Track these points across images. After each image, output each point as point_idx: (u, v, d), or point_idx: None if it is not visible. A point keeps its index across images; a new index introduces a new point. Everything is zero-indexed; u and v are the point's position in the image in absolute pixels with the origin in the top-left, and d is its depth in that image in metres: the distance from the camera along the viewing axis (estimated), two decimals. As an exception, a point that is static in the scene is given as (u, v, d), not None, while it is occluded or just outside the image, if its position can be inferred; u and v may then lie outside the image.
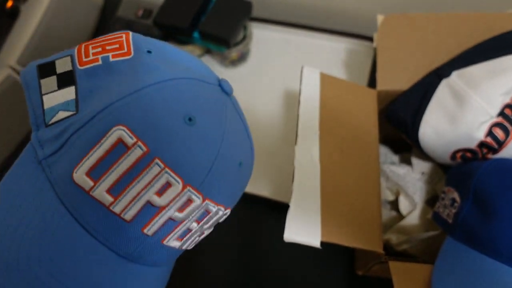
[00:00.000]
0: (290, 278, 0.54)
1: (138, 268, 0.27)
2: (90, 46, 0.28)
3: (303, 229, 0.35)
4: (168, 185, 0.25)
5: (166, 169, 0.24)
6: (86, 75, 0.27)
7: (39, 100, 0.26)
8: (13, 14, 0.80)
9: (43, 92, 0.26)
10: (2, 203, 0.25)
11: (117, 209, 0.24)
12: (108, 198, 0.24)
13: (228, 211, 0.31)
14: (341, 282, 0.52)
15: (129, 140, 0.24)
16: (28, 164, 0.26)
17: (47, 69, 0.27)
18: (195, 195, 0.26)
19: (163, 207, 0.25)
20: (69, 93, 0.26)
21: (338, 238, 0.36)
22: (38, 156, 0.26)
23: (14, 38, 0.70)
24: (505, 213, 0.34)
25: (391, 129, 0.51)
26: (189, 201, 0.26)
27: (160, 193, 0.25)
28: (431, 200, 0.51)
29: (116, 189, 0.24)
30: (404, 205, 0.52)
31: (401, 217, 0.52)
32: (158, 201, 0.25)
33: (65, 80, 0.27)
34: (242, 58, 0.72)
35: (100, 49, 0.28)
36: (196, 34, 0.66)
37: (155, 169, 0.24)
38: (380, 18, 0.51)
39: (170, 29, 0.66)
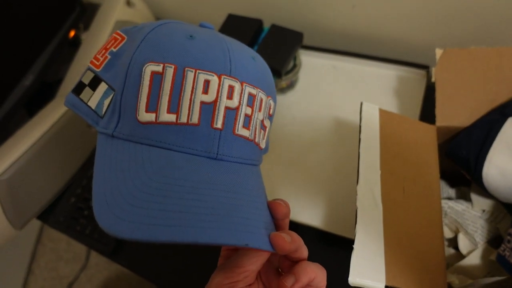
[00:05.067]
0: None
1: (233, 165, 0.31)
2: (97, 55, 0.34)
3: (367, 272, 0.35)
4: (207, 82, 0.30)
5: (198, 71, 0.30)
6: (105, 70, 0.33)
7: (86, 107, 0.33)
8: (75, 44, 0.86)
9: (86, 101, 0.33)
10: (108, 173, 0.29)
11: (183, 120, 0.29)
12: (172, 117, 0.29)
13: (271, 101, 0.35)
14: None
15: (158, 68, 0.30)
16: (105, 145, 0.31)
17: (79, 88, 0.34)
18: (232, 80, 0.30)
19: (215, 100, 0.30)
20: (102, 87, 0.32)
21: (402, 283, 0.36)
22: (108, 134, 0.31)
23: (77, 67, 0.75)
24: None
25: (448, 163, 0.50)
26: (230, 87, 0.30)
27: (205, 91, 0.29)
28: (494, 240, 0.49)
29: (173, 107, 0.29)
30: (464, 243, 0.50)
31: (460, 255, 0.50)
32: (207, 98, 0.30)
33: (94, 83, 0.33)
34: (291, 85, 0.73)
35: (104, 51, 0.34)
36: (247, 64, 0.67)
37: (190, 76, 0.29)
38: (438, 52, 0.50)
39: (223, 59, 0.68)
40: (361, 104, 0.46)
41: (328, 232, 0.58)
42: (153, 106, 0.29)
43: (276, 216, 0.30)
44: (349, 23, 0.74)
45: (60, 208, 0.69)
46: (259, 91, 0.32)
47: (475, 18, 0.62)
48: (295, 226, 0.59)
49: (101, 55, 0.33)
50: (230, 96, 0.30)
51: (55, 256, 1.44)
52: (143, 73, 0.30)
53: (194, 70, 0.29)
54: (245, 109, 0.31)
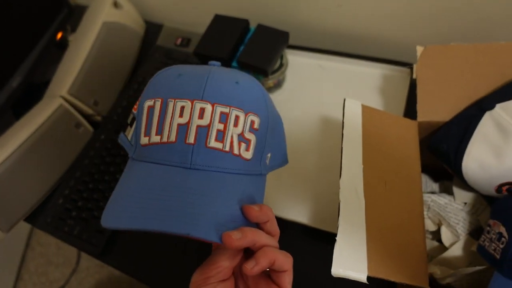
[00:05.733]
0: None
1: (206, 173, 0.36)
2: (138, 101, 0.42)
3: (350, 263, 0.36)
4: (182, 107, 0.36)
5: (176, 100, 0.37)
6: (137, 111, 0.40)
7: (127, 141, 0.41)
8: (62, 45, 0.86)
9: (127, 136, 0.41)
10: (136, 185, 0.36)
11: (164, 139, 0.36)
12: (158, 138, 0.37)
13: (253, 117, 0.38)
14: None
15: (151, 102, 0.38)
16: (127, 165, 0.40)
17: (125, 127, 0.42)
18: (203, 103, 0.36)
19: (188, 121, 0.36)
20: (134, 124, 0.40)
21: (384, 273, 0.37)
22: (131, 157, 0.40)
23: (64, 68, 0.75)
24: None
25: (431, 157, 0.51)
26: (201, 109, 0.36)
27: (181, 115, 0.36)
28: (475, 232, 0.50)
29: (159, 130, 0.37)
30: (446, 236, 0.51)
31: (443, 247, 0.51)
32: (182, 120, 0.36)
33: (131, 122, 0.41)
34: (278, 85, 0.74)
35: (140, 98, 0.41)
36: (234, 64, 0.68)
37: (170, 104, 0.37)
38: (419, 49, 0.52)
39: (209, 59, 0.69)
40: (344, 100, 0.47)
41: (315, 228, 0.59)
42: (148, 131, 0.38)
43: (248, 218, 0.34)
44: (335, 22, 0.75)
45: (48, 209, 0.68)
46: (232, 109, 0.37)
47: (456, 16, 0.64)
48: (283, 223, 0.60)
49: (139, 100, 0.41)
50: (201, 116, 0.36)
51: (45, 261, 1.43)
52: (143, 109, 0.39)
53: (173, 100, 0.37)
54: (217, 126, 0.36)
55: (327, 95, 0.72)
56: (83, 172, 0.70)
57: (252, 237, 0.31)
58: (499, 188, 0.44)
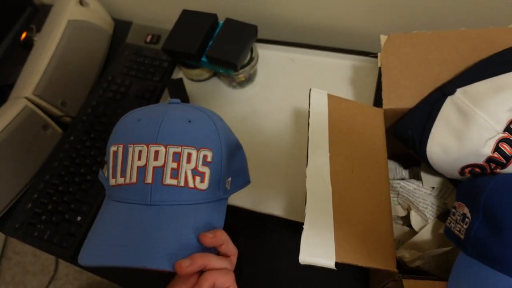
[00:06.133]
0: (305, 296, 0.54)
1: (164, 208, 0.40)
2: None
3: (317, 251, 0.36)
4: (140, 152, 0.41)
5: (135, 145, 0.41)
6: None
7: (105, 178, 0.45)
8: (27, 45, 0.83)
9: (104, 174, 0.46)
10: (104, 223, 0.41)
11: (127, 181, 0.41)
12: (122, 179, 0.41)
13: (205, 151, 0.42)
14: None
15: (115, 148, 0.43)
16: (104, 203, 0.45)
17: (103, 164, 0.46)
18: (157, 146, 0.41)
19: (146, 164, 0.40)
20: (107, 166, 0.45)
21: (352, 259, 0.37)
22: (106, 196, 0.45)
23: (29, 69, 0.73)
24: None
25: (400, 145, 0.52)
26: (155, 151, 0.40)
27: (139, 159, 0.41)
28: (443, 215, 0.51)
29: (123, 173, 0.41)
30: (415, 220, 0.52)
31: (413, 232, 0.52)
32: (140, 163, 0.41)
33: (107, 161, 0.45)
34: (249, 79, 0.73)
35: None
36: (204, 59, 0.68)
37: (130, 150, 0.41)
38: (383, 38, 0.52)
39: (178, 55, 0.68)
40: (310, 90, 0.47)
41: (290, 220, 0.59)
42: (114, 174, 0.42)
43: (203, 245, 0.39)
44: (303, 15, 0.76)
45: (16, 214, 0.66)
46: (184, 148, 0.41)
47: (419, 5, 0.65)
48: (258, 217, 0.60)
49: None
50: (156, 158, 0.40)
51: (22, 270, 1.39)
52: (109, 153, 0.43)
53: (133, 145, 0.41)
54: (171, 165, 0.40)
55: (298, 88, 0.73)
56: (53, 174, 0.69)
57: (201, 262, 0.36)
58: (462, 170, 0.45)
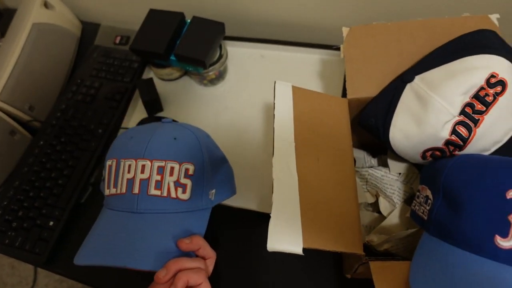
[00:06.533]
0: (281, 284, 0.55)
1: (148, 215, 0.45)
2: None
3: (285, 238, 0.37)
4: (129, 165, 0.46)
5: (125, 160, 0.46)
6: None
7: (103, 188, 0.51)
8: (-8, 50, 0.81)
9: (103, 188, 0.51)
10: (97, 228, 0.47)
11: (118, 191, 0.46)
12: (114, 190, 0.47)
13: (187, 165, 0.47)
14: (332, 286, 0.54)
15: (109, 162, 0.48)
16: (101, 211, 0.50)
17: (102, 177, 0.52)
18: (144, 161, 0.46)
19: (134, 176, 0.46)
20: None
21: (319, 244, 0.38)
22: (104, 204, 0.50)
23: (-6, 74, 0.71)
24: (470, 206, 0.36)
25: (368, 134, 0.53)
26: (142, 165, 0.46)
27: (129, 172, 0.46)
28: (409, 199, 0.53)
29: (115, 184, 0.47)
30: (384, 205, 0.54)
31: (383, 218, 0.54)
32: (129, 175, 0.46)
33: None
34: (220, 76, 0.74)
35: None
36: (173, 57, 0.68)
37: (121, 164, 0.47)
38: (345, 30, 0.54)
39: (146, 54, 0.68)
40: (275, 83, 0.48)
41: (263, 213, 0.60)
42: (109, 185, 0.48)
43: (181, 250, 0.43)
44: (270, 11, 0.76)
45: (-14, 223, 0.65)
46: (167, 163, 0.46)
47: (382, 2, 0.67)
48: (233, 212, 0.61)
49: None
50: (142, 171, 0.45)
51: (-1, 282, 1.35)
52: (105, 167, 0.49)
53: (124, 160, 0.47)
54: (155, 177, 0.45)
55: (269, 83, 0.73)
56: (23, 180, 0.67)
57: (175, 267, 0.41)
58: (423, 154, 0.46)
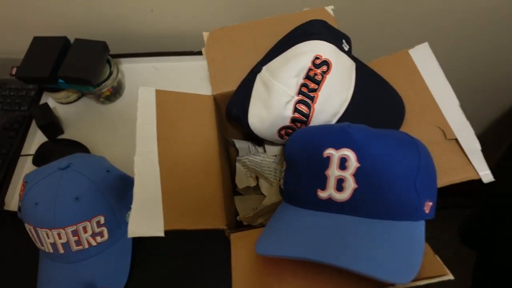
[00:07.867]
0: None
1: (82, 263, 0.55)
2: None
3: (146, 224, 0.41)
4: (48, 234, 0.53)
5: (41, 229, 0.53)
6: None
7: None
8: None
9: None
10: None
11: (46, 250, 0.55)
12: (42, 248, 0.55)
13: (98, 217, 0.55)
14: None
15: (28, 226, 0.55)
16: (44, 261, 0.58)
17: None
18: (57, 230, 0.53)
19: (55, 242, 0.53)
20: None
21: (181, 225, 0.42)
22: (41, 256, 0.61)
23: None
24: (301, 169, 0.42)
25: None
26: (58, 234, 0.53)
27: (49, 238, 0.53)
28: (283, 177, 0.59)
29: (40, 244, 0.55)
30: (264, 186, 0.59)
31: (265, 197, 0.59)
32: (51, 241, 0.53)
33: None
34: (116, 92, 0.77)
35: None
36: (61, 80, 0.70)
37: (39, 232, 0.54)
38: (205, 34, 0.59)
39: (34, 80, 0.70)
40: (139, 89, 0.52)
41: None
42: (35, 242, 0.56)
43: None
44: (154, 25, 0.81)
45: None
46: (78, 226, 0.53)
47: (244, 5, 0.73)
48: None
49: None
50: (60, 237, 0.53)
51: None
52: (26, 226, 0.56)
53: (40, 229, 0.53)
54: (72, 239, 0.53)
55: (163, 93, 0.78)
56: None
57: None
58: (279, 134, 0.52)
